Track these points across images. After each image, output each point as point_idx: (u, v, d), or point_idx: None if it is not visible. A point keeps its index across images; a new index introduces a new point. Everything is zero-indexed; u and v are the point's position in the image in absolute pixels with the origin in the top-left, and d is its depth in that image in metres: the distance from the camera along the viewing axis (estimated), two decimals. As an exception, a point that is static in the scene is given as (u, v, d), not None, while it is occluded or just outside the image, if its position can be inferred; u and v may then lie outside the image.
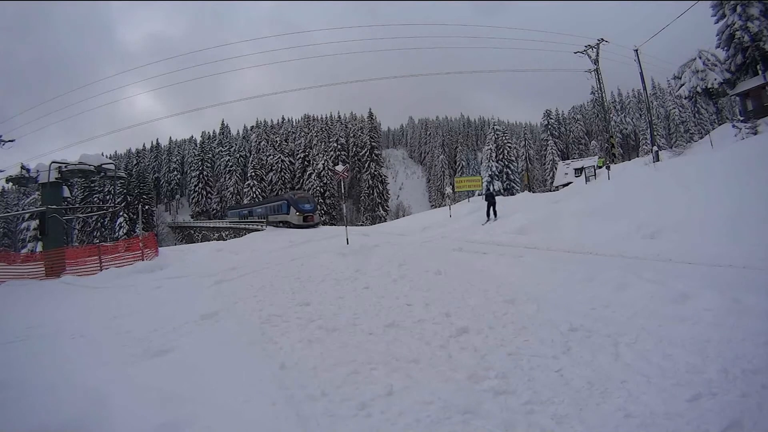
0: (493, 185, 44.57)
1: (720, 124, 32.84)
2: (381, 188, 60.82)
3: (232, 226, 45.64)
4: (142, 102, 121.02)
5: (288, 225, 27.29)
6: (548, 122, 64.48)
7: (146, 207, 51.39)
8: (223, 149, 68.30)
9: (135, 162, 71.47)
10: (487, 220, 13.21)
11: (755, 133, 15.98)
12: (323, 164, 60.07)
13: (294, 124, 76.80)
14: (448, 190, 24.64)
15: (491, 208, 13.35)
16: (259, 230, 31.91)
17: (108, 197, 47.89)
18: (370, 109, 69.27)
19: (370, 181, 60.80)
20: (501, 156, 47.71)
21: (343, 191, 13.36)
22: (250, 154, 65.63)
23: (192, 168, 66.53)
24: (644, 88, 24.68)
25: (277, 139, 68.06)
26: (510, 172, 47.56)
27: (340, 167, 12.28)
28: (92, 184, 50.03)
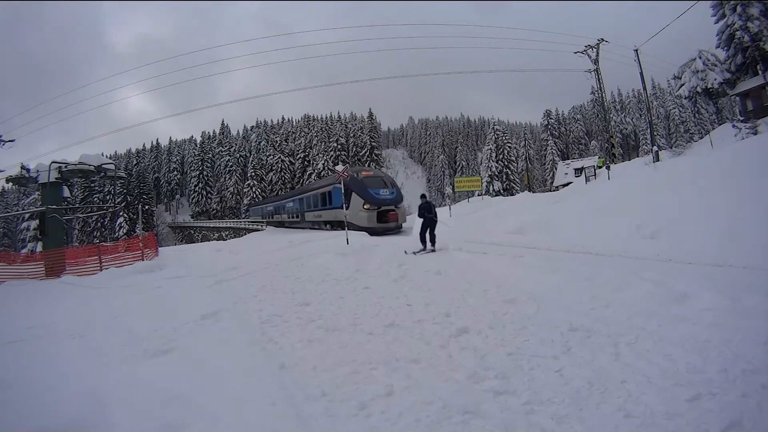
0: (492, 185, 44.59)
1: (720, 124, 32.89)
2: (381, 188, 60.70)
3: (231, 226, 45.48)
4: (140, 103, 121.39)
5: (343, 226, 14.29)
6: (548, 122, 64.48)
7: (146, 207, 51.43)
8: (223, 149, 68.35)
9: (135, 162, 71.53)
10: (422, 249, 8.67)
11: (755, 133, 15.98)
12: (323, 164, 60.09)
13: (294, 124, 76.82)
14: (448, 190, 24.68)
15: (428, 230, 8.80)
16: (259, 230, 31.73)
17: (108, 197, 47.92)
18: (370, 109, 69.39)
19: (370, 181, 60.69)
20: (501, 156, 47.71)
21: (343, 191, 13.23)
22: (250, 154, 65.71)
23: (192, 168, 66.59)
24: (644, 88, 24.68)
25: (277, 139, 68.08)
26: (510, 172, 47.57)
27: (340, 167, 12.24)
28: (92, 184, 50.08)
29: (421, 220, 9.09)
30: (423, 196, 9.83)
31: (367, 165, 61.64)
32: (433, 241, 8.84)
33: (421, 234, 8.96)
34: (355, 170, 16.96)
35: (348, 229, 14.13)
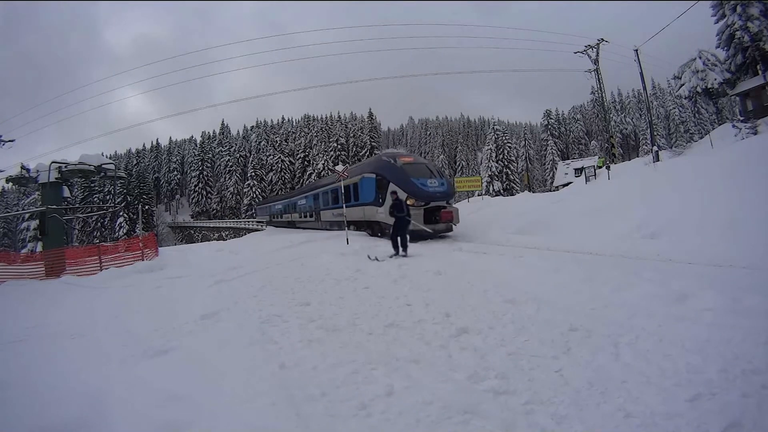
0: (492, 185, 44.58)
1: (720, 124, 32.88)
2: (381, 188, 60.67)
3: (231, 226, 45.41)
4: (138, 104, 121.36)
5: (374, 229, 12.86)
6: (548, 122, 64.49)
7: (146, 207, 51.45)
8: (223, 149, 68.35)
9: (135, 162, 71.56)
10: (394, 254, 8.00)
11: (755, 133, 16.00)
12: (323, 164, 60.09)
13: (294, 124, 76.80)
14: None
15: (400, 233, 8.14)
16: (259, 230, 31.67)
17: (108, 197, 47.91)
18: (370, 109, 69.39)
19: (370, 181, 60.64)
20: (501, 156, 47.74)
21: (342, 191, 13.09)
22: (250, 154, 65.70)
23: (192, 168, 66.63)
24: (644, 88, 24.68)
25: (277, 139, 68.08)
26: (510, 172, 47.61)
27: (340, 167, 12.23)
28: (92, 184, 50.06)
29: (393, 219, 8.34)
30: (393, 194, 8.79)
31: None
32: (404, 245, 8.00)
33: (392, 237, 8.22)
34: (391, 154, 12.99)
35: (381, 234, 11.65)
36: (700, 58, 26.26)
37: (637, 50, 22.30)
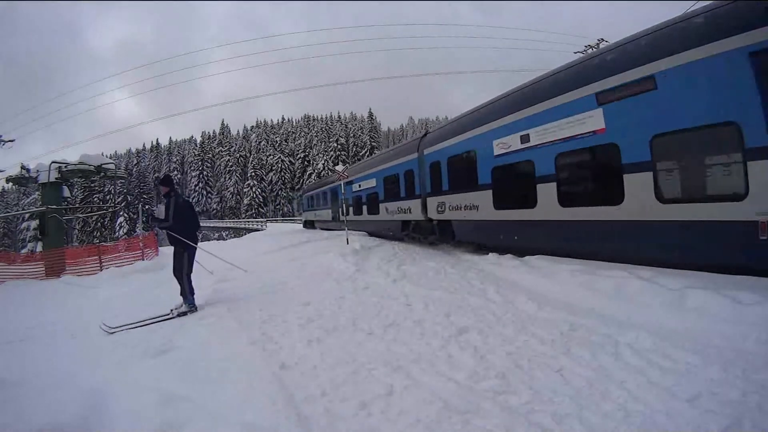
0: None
1: (720, 124, 32.84)
2: (381, 188, 60.76)
3: (231, 226, 45.38)
4: (137, 105, 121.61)
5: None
6: (548, 122, 64.46)
7: (146, 207, 51.48)
8: (223, 149, 68.42)
9: (135, 162, 71.59)
10: (180, 309, 4.95)
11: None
12: (323, 164, 60.13)
13: (294, 124, 76.86)
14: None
15: (182, 262, 5.07)
16: (259, 230, 31.68)
17: (108, 197, 47.95)
18: (370, 109, 69.62)
19: (370, 181, 60.73)
20: (501, 156, 47.65)
21: (343, 191, 13.07)
22: (250, 154, 65.77)
23: (192, 168, 66.69)
24: (644, 88, 24.66)
25: (277, 139, 68.14)
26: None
27: (340, 167, 12.22)
28: (92, 184, 50.12)
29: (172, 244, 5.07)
30: (165, 181, 5.20)
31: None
32: (184, 290, 4.92)
33: (178, 274, 5.04)
34: None
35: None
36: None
37: (637, 50, 22.30)
